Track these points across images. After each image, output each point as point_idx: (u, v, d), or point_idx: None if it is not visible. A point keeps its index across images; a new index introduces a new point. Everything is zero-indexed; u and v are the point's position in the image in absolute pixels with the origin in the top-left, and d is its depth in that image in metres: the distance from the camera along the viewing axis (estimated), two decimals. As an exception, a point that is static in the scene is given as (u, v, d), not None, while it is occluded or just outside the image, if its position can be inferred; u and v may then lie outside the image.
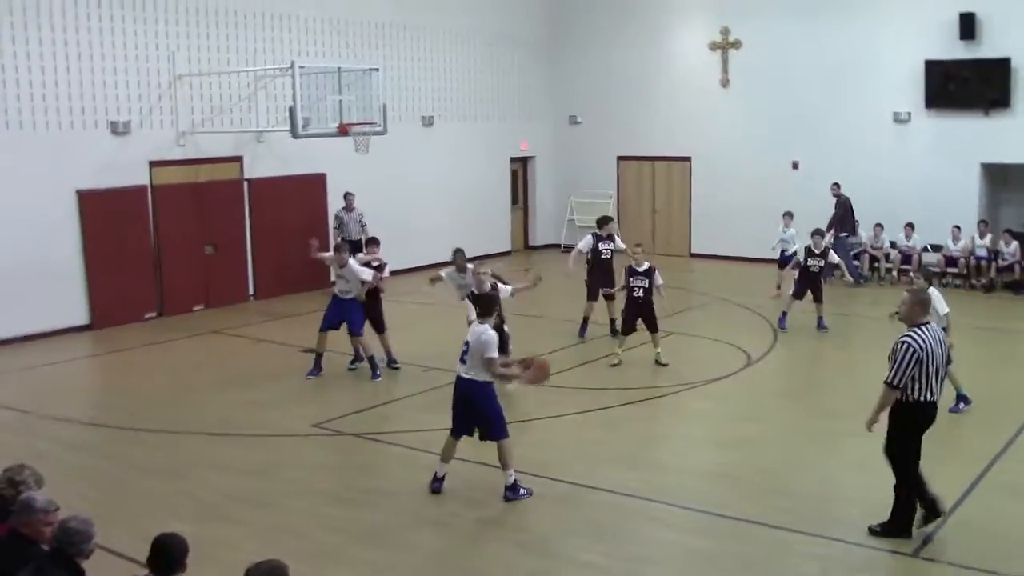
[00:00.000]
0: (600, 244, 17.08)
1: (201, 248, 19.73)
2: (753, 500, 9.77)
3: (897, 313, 9.05)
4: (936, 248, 21.97)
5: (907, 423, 8.67)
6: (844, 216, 22.27)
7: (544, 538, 9.14)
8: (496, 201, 26.64)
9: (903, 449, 8.77)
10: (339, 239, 19.40)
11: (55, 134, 17.53)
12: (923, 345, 8.47)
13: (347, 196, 20.98)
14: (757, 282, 21.69)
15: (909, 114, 22.79)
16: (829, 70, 23.59)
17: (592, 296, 17.02)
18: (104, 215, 18.11)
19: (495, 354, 9.78)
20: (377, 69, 19.12)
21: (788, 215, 21.18)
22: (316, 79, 18.60)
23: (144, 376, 15.18)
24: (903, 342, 8.51)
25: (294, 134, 17.54)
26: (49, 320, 17.56)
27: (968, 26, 21.55)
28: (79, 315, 18.07)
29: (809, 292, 17.50)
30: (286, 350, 16.43)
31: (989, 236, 21.28)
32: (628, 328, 14.88)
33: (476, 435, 10.14)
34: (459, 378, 10.00)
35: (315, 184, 21.72)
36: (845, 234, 22.14)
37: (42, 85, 17.33)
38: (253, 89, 20.40)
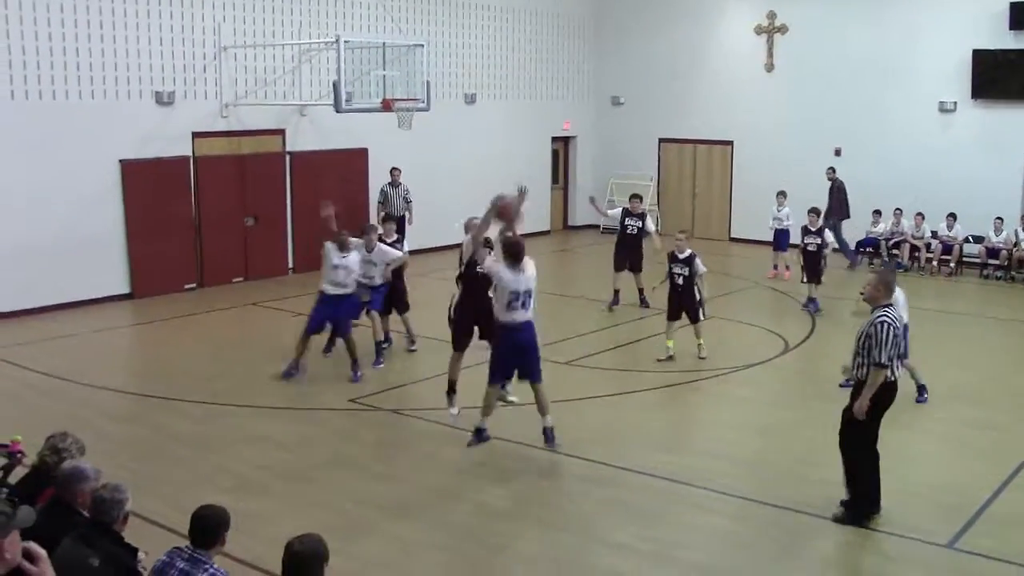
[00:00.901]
0: (627, 219, 17.64)
1: (241, 220, 19.86)
2: (788, 487, 9.74)
3: (862, 294, 9.13)
4: (978, 239, 21.73)
5: (881, 401, 8.70)
6: (840, 200, 22.43)
7: (576, 518, 9.16)
8: (536, 180, 26.48)
9: (867, 431, 8.79)
10: (382, 214, 19.19)
11: (100, 104, 17.67)
12: (898, 324, 8.62)
13: (393, 171, 21.00)
14: (795, 268, 21.59)
15: (955, 104, 22.54)
16: (875, 57, 23.36)
17: (617, 268, 17.60)
18: (146, 185, 18.25)
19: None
20: (422, 45, 19.13)
21: (782, 194, 21.24)
22: (360, 54, 18.62)
23: (183, 347, 15.32)
24: (882, 322, 8.54)
25: (337, 108, 17.58)
26: (90, 288, 17.76)
27: (1018, 16, 21.27)
28: (120, 284, 18.27)
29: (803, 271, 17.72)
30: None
31: (1033, 229, 21.04)
32: (672, 314, 14.72)
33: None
34: (525, 323, 10.34)
35: (357, 159, 21.78)
36: (839, 218, 22.24)
37: (88, 54, 17.45)
38: (297, 63, 20.47)
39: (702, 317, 14.57)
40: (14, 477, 6.98)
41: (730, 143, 26.08)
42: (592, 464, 10.36)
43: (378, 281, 14.07)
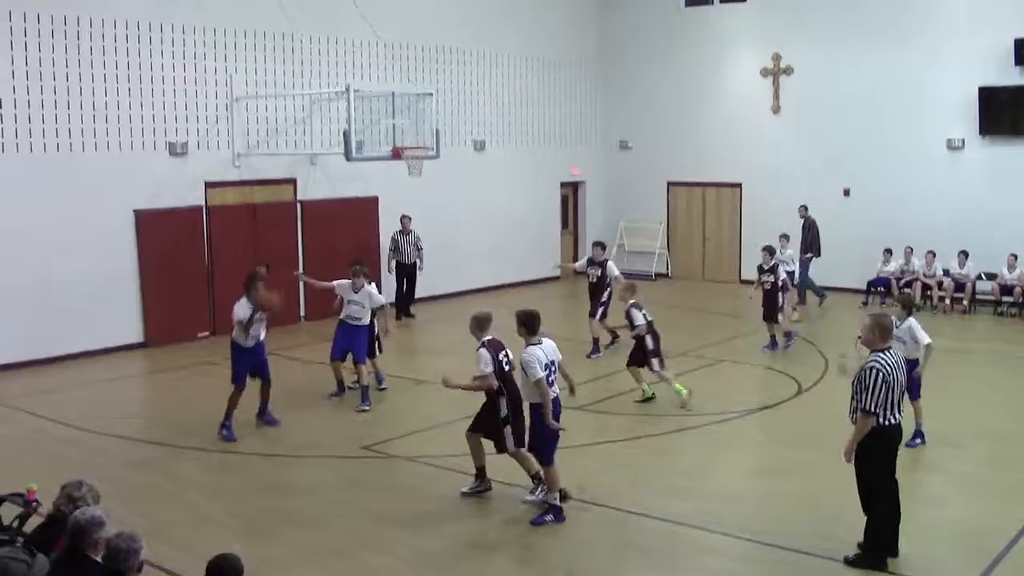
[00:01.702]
0: (590, 268, 17.98)
1: (254, 269, 19.88)
2: (803, 530, 9.67)
3: (859, 337, 9.07)
4: (990, 277, 21.71)
5: (880, 448, 8.61)
6: (812, 238, 22.86)
7: (592, 564, 9.12)
8: (546, 226, 26.69)
9: (878, 474, 8.70)
10: (392, 262, 19.83)
11: (115, 154, 17.87)
12: (889, 369, 8.50)
13: (403, 219, 21.12)
14: (803, 309, 21.67)
15: (963, 141, 22.61)
16: (881, 96, 23.47)
17: (591, 315, 17.70)
18: (160, 234, 18.39)
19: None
20: (431, 94, 19.28)
21: (784, 237, 21.54)
22: (371, 103, 18.82)
23: (196, 395, 15.33)
24: (871, 367, 8.50)
25: (348, 157, 17.70)
26: (105, 337, 17.88)
27: (1023, 52, 21.38)
28: (134, 333, 18.37)
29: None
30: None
31: (1047, 266, 21.01)
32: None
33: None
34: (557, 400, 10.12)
35: (368, 207, 21.90)
36: (810, 255, 22.73)
37: (104, 106, 17.68)
38: (308, 112, 20.66)
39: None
40: (29, 525, 7.00)
41: (739, 185, 26.16)
42: (607, 510, 10.33)
43: (364, 321, 14.75)
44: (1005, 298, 21.36)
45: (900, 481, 8.89)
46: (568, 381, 10.71)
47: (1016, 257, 21.25)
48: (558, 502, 10.03)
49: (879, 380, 8.42)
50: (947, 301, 21.77)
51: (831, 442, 12.47)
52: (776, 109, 25.37)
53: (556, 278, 26.07)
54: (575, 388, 11.00)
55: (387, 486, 11.36)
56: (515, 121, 25.75)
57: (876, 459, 8.65)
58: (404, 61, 22.31)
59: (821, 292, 22.87)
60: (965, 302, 21.59)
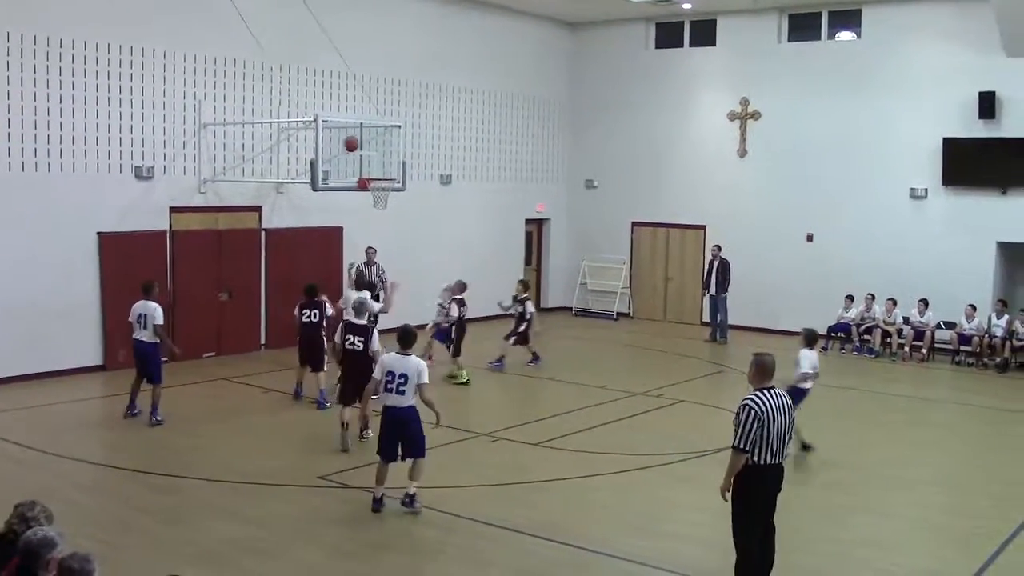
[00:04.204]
0: (515, 304, 20.28)
1: (216, 295, 19.84)
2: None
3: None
4: (949, 325, 21.92)
5: (746, 486, 8.54)
6: (723, 276, 23.81)
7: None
8: (510, 261, 26.71)
9: (738, 516, 8.63)
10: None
11: (80, 176, 17.75)
12: (763, 408, 8.40)
13: (368, 250, 20.95)
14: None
15: (926, 191, 22.89)
16: (847, 144, 23.77)
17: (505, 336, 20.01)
18: (123, 258, 18.25)
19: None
20: (399, 126, 19.31)
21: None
22: (338, 133, 18.77)
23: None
24: (744, 404, 8.46)
25: (314, 187, 17.62)
26: (63, 359, 17.70)
27: (988, 105, 21.75)
28: (93, 355, 18.18)
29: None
30: (295, 401, 16.47)
31: (1007, 316, 21.22)
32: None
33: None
34: (396, 408, 10.96)
35: (332, 237, 21.86)
36: (725, 294, 23.77)
37: (71, 128, 17.58)
38: (276, 140, 20.63)
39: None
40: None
41: (703, 227, 26.32)
42: (569, 548, 10.25)
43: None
44: (963, 347, 21.55)
45: (856, 522, 8.95)
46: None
47: (975, 308, 21.48)
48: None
49: (750, 417, 8.36)
50: (906, 349, 21.96)
51: (790, 487, 12.58)
52: (743, 153, 25.60)
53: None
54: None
55: (341, 517, 11.26)
56: (482, 156, 25.84)
57: (744, 497, 8.56)
58: (373, 93, 22.35)
59: (723, 334, 24.01)
60: (924, 350, 21.79)
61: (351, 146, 17.98)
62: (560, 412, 16.05)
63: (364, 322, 14.09)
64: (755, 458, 8.44)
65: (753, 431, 8.36)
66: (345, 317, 14.89)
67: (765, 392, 8.54)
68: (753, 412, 8.38)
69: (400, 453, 11.14)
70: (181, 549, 9.90)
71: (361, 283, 18.27)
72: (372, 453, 13.58)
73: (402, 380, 10.85)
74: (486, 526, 10.67)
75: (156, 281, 15.70)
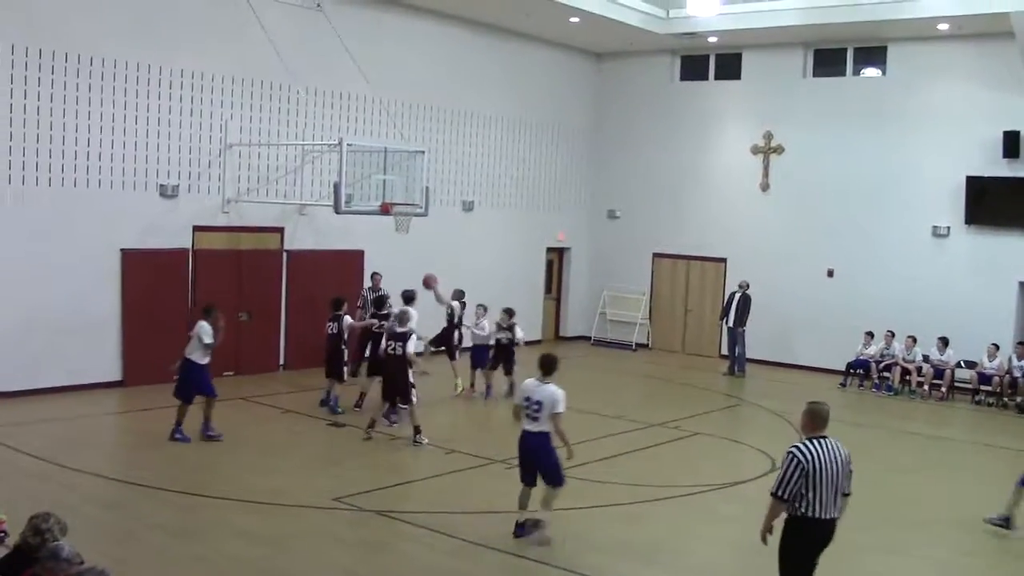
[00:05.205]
0: (499, 332, 19.71)
1: (236, 315, 19.90)
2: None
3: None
4: (970, 364, 21.81)
5: (792, 539, 8.29)
6: (744, 310, 23.83)
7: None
8: (530, 289, 26.72)
9: (782, 563, 8.34)
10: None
11: (105, 193, 17.89)
12: (809, 458, 8.06)
13: (374, 276, 20.79)
14: (782, 387, 21.69)
15: (948, 229, 22.84)
16: (870, 180, 23.75)
17: (492, 367, 19.70)
18: (145, 275, 18.37)
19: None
20: (423, 151, 19.37)
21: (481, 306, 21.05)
22: (362, 157, 18.90)
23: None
24: (789, 452, 8.15)
25: (337, 210, 17.69)
26: (83, 374, 17.79)
27: (1012, 144, 21.71)
28: (113, 371, 18.28)
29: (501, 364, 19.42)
30: (312, 422, 16.52)
31: (1029, 356, 21.08)
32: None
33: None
34: (528, 433, 11.05)
35: (353, 260, 21.93)
36: (743, 328, 23.74)
37: (98, 145, 17.74)
38: (300, 162, 20.75)
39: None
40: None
41: (723, 260, 26.30)
42: None
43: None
44: (984, 387, 21.42)
45: (871, 561, 8.86)
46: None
47: (997, 347, 21.38)
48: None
49: (793, 467, 8.07)
50: (926, 387, 21.83)
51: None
52: (765, 187, 25.60)
53: (537, 342, 26.11)
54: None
55: (355, 540, 11.27)
56: (505, 184, 25.92)
57: (786, 548, 8.32)
58: (398, 118, 22.45)
59: (743, 367, 23.93)
60: (943, 389, 21.66)
61: (428, 284, 19.24)
62: (576, 441, 15.93)
63: (404, 329, 15.37)
64: (802, 510, 8.15)
65: (795, 480, 8.06)
66: (387, 326, 16.40)
67: (815, 441, 8.19)
68: (796, 460, 8.08)
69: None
70: (192, 567, 9.92)
71: (379, 304, 18.39)
72: (388, 474, 13.73)
73: (537, 407, 10.94)
74: (499, 553, 10.65)
75: (216, 305, 15.83)
